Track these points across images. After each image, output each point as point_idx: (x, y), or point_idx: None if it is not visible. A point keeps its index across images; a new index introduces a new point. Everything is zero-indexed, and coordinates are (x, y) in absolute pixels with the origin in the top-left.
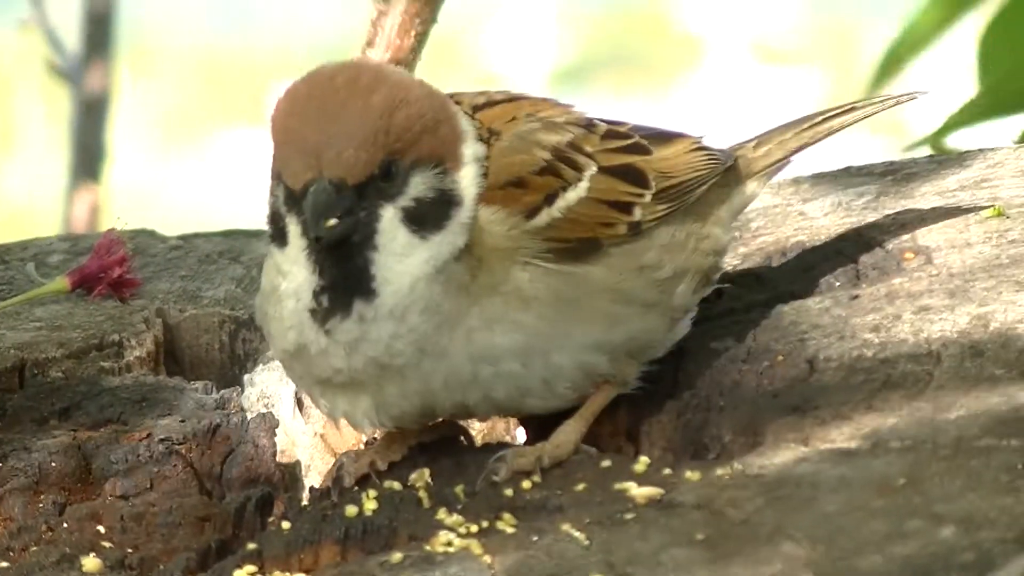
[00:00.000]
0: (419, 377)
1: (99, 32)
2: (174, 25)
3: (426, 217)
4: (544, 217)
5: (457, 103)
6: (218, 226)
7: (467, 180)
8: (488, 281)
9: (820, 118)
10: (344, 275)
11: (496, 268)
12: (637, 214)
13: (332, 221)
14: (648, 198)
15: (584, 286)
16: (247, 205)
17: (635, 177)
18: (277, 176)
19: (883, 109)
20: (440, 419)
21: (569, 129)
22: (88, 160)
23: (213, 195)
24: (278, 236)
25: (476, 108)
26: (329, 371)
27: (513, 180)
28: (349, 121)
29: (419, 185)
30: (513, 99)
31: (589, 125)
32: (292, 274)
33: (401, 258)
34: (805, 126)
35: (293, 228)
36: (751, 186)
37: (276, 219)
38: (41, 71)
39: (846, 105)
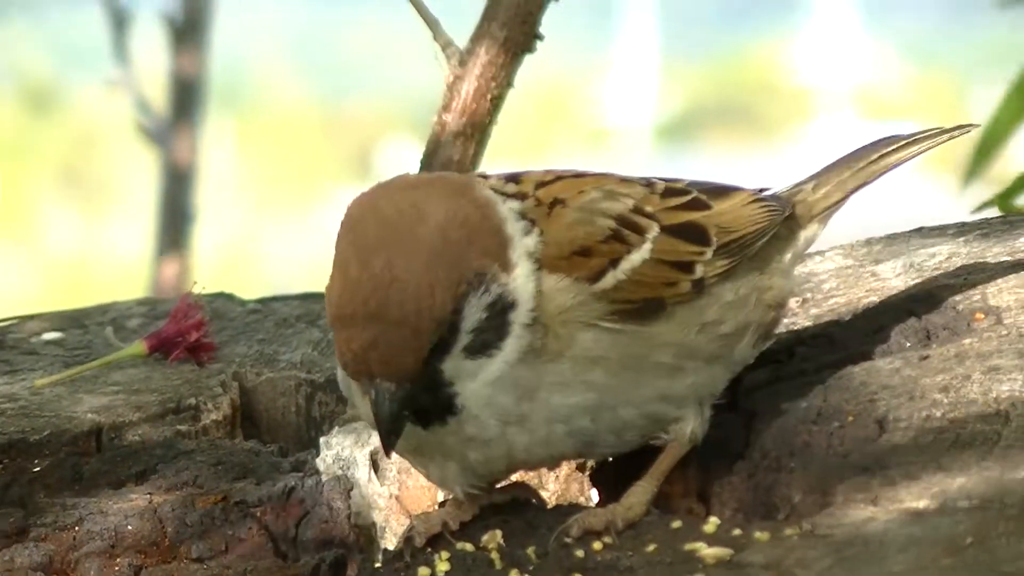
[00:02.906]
0: (502, 444)
1: (186, 96)
2: (274, 89)
3: (486, 339)
4: (610, 279)
5: (520, 182)
6: (321, 285)
7: (521, 277)
8: (556, 347)
9: (876, 155)
10: (423, 412)
11: (562, 333)
12: (699, 272)
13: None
14: (709, 255)
15: (649, 343)
16: None
17: (696, 235)
18: None
19: (936, 144)
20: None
21: (630, 195)
22: (176, 223)
23: (313, 255)
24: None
25: (540, 184)
26: (415, 443)
27: (578, 250)
28: (391, 321)
29: (471, 319)
30: (579, 175)
31: (648, 185)
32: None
33: (472, 379)
34: (861, 165)
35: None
36: (812, 228)
37: None
38: (130, 131)
39: (898, 141)
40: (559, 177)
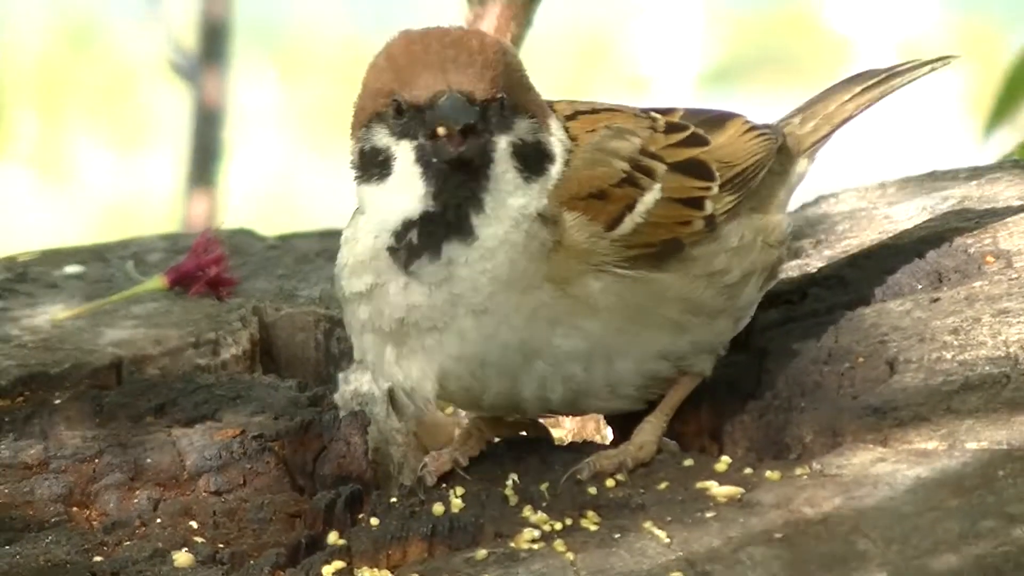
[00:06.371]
0: (478, 337)
1: (215, 35)
2: (314, 27)
3: (528, 160)
4: (628, 224)
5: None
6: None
7: (556, 147)
8: (563, 274)
9: (859, 88)
10: (456, 203)
11: (573, 267)
12: (709, 207)
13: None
14: (715, 189)
15: (656, 295)
16: None
17: (700, 170)
18: (388, 103)
19: (916, 77)
20: (495, 413)
21: (637, 134)
22: (206, 161)
23: (347, 196)
24: (376, 170)
25: (567, 118)
26: (401, 312)
27: (595, 192)
28: (468, 50)
29: (522, 127)
30: (595, 111)
31: (652, 121)
32: (384, 206)
33: (508, 195)
34: (847, 98)
35: (403, 154)
36: (802, 164)
37: (375, 153)
38: (162, 68)
39: (877, 75)
40: (578, 112)
